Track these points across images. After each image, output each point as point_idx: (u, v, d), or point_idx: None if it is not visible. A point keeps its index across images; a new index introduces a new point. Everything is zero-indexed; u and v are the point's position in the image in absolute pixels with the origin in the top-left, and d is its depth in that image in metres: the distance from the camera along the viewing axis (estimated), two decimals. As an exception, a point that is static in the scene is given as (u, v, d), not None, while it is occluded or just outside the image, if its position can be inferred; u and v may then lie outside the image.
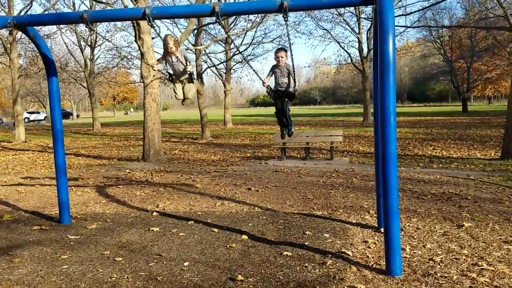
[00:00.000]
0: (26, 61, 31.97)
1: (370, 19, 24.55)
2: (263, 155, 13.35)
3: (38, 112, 57.25)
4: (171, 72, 5.49)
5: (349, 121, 31.65)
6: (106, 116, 65.83)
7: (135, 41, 11.85)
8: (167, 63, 5.44)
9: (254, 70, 5.55)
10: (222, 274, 3.82)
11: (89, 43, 29.91)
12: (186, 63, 5.32)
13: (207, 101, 21.23)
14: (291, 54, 4.96)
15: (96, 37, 29.90)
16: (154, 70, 5.47)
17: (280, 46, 5.78)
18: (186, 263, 4.11)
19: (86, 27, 4.57)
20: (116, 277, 3.79)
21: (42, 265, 4.16)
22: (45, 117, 52.95)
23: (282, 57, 5.26)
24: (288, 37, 4.84)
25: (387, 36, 3.55)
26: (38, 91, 46.02)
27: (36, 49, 23.92)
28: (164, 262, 4.15)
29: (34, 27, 4.94)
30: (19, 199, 7.34)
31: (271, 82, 5.49)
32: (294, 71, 5.22)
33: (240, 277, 3.71)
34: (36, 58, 28.08)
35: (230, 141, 18.94)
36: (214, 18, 4.42)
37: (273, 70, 5.38)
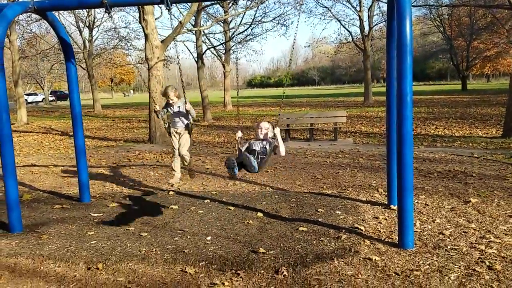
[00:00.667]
0: (23, 43, 31.73)
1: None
2: (267, 135, 13.48)
3: (36, 94, 56.93)
4: (170, 121, 5.60)
5: (349, 101, 31.74)
6: (104, 98, 65.59)
7: (139, 22, 11.86)
8: (168, 111, 5.55)
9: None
10: (244, 247, 4.04)
11: (87, 24, 29.67)
12: (186, 112, 5.36)
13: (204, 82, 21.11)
14: (294, 43, 4.93)
15: (94, 18, 29.66)
16: (155, 111, 5.54)
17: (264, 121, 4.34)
18: (208, 238, 4.33)
19: (105, 11, 4.66)
20: (145, 251, 4.01)
21: (70, 241, 4.37)
22: (43, 98, 52.73)
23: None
24: (296, 30, 4.84)
25: (404, 18, 3.68)
26: (36, 72, 45.72)
27: (32, 31, 23.58)
28: (188, 237, 4.37)
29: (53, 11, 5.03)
30: (34, 180, 7.52)
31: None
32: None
33: (261, 250, 3.93)
34: (35, 40, 27.83)
35: (232, 123, 19.07)
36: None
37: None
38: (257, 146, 4.26)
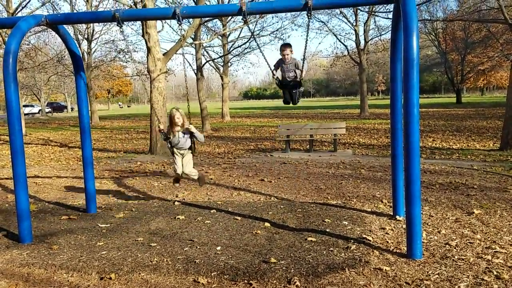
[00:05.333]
0: (22, 55, 31.79)
1: (367, 12, 24.77)
2: (266, 147, 13.60)
3: (32, 106, 56.88)
4: (172, 144, 5.44)
5: (345, 113, 31.99)
6: (101, 110, 65.60)
7: (142, 36, 11.99)
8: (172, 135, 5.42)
9: (264, 56, 5.43)
10: (254, 257, 4.09)
11: (86, 36, 29.85)
12: (191, 135, 5.36)
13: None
14: (305, 47, 5.07)
15: (93, 31, 29.87)
16: (160, 130, 5.44)
17: (285, 42, 5.59)
18: (218, 248, 4.37)
19: (117, 25, 4.77)
20: (156, 261, 4.05)
21: (81, 252, 4.40)
22: (39, 110, 52.67)
23: (287, 54, 5.27)
24: (306, 38, 4.99)
25: (411, 34, 3.80)
26: (33, 84, 45.70)
27: (31, 43, 23.74)
28: (198, 247, 4.41)
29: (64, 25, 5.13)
30: (38, 191, 7.54)
31: (279, 74, 5.55)
32: (303, 61, 5.18)
33: (272, 260, 3.98)
34: (34, 52, 27.90)
35: (231, 134, 19.17)
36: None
37: (280, 65, 5.39)
38: (286, 73, 5.27)
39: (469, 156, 10.13)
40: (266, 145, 14.26)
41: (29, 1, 21.63)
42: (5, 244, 4.70)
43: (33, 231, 5.05)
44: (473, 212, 5.32)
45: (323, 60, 39.50)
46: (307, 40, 4.90)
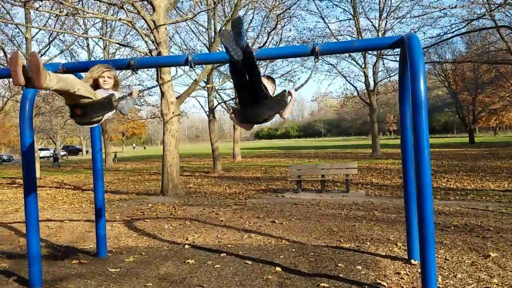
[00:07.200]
0: (39, 100, 32.75)
1: (376, 55, 25.22)
2: (277, 188, 13.54)
3: (48, 149, 57.98)
4: None
5: (357, 153, 31.90)
6: (115, 152, 66.46)
7: (156, 80, 12.35)
8: None
9: None
10: (265, 304, 4.00)
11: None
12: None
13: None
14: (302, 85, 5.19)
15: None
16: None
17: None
18: (229, 294, 4.29)
19: (132, 72, 4.94)
20: (166, 308, 3.98)
21: (90, 297, 4.36)
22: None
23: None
24: (308, 77, 5.14)
25: (419, 77, 3.86)
26: (49, 128, 46.81)
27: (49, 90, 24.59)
28: (208, 293, 4.34)
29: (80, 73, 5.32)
30: (50, 234, 7.55)
31: None
32: None
33: (284, 307, 3.89)
34: (51, 97, 28.74)
35: (242, 174, 19.18)
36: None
37: None
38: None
39: (484, 197, 9.94)
40: (277, 185, 14.21)
41: (48, 49, 22.58)
42: (15, 289, 4.68)
43: (44, 275, 5.03)
44: (490, 255, 5.18)
45: (333, 100, 39.91)
46: (308, 79, 5.01)
